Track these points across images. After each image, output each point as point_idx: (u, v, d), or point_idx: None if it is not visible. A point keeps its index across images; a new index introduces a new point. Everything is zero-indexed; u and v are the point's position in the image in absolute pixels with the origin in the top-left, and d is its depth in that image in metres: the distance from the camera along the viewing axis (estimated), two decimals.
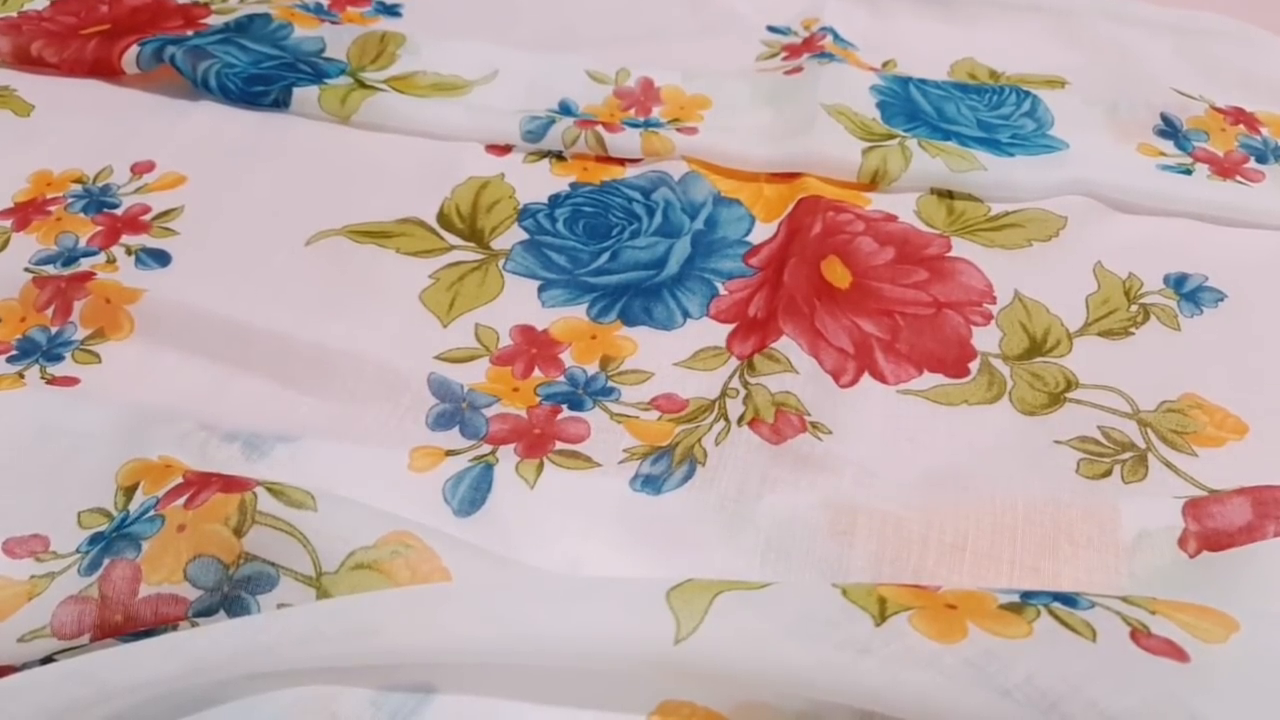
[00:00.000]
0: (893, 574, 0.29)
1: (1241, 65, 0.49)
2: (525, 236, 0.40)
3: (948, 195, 0.41)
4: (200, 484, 0.28)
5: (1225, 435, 0.33)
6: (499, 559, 0.28)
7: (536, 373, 0.35)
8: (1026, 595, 0.25)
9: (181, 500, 0.28)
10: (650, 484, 0.31)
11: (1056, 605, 0.24)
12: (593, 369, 0.35)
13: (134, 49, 0.45)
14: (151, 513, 0.28)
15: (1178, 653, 0.23)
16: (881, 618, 0.24)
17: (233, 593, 0.27)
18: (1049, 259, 0.39)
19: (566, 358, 0.35)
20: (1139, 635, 0.23)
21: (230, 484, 0.28)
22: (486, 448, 0.32)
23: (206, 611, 0.27)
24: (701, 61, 0.48)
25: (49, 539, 0.29)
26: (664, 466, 0.32)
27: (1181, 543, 0.29)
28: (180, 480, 0.29)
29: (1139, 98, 0.46)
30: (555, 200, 0.41)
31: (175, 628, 0.27)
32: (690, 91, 0.46)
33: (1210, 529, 0.29)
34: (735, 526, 0.30)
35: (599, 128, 0.43)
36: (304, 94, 0.44)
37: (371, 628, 0.24)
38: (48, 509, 0.29)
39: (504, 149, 0.43)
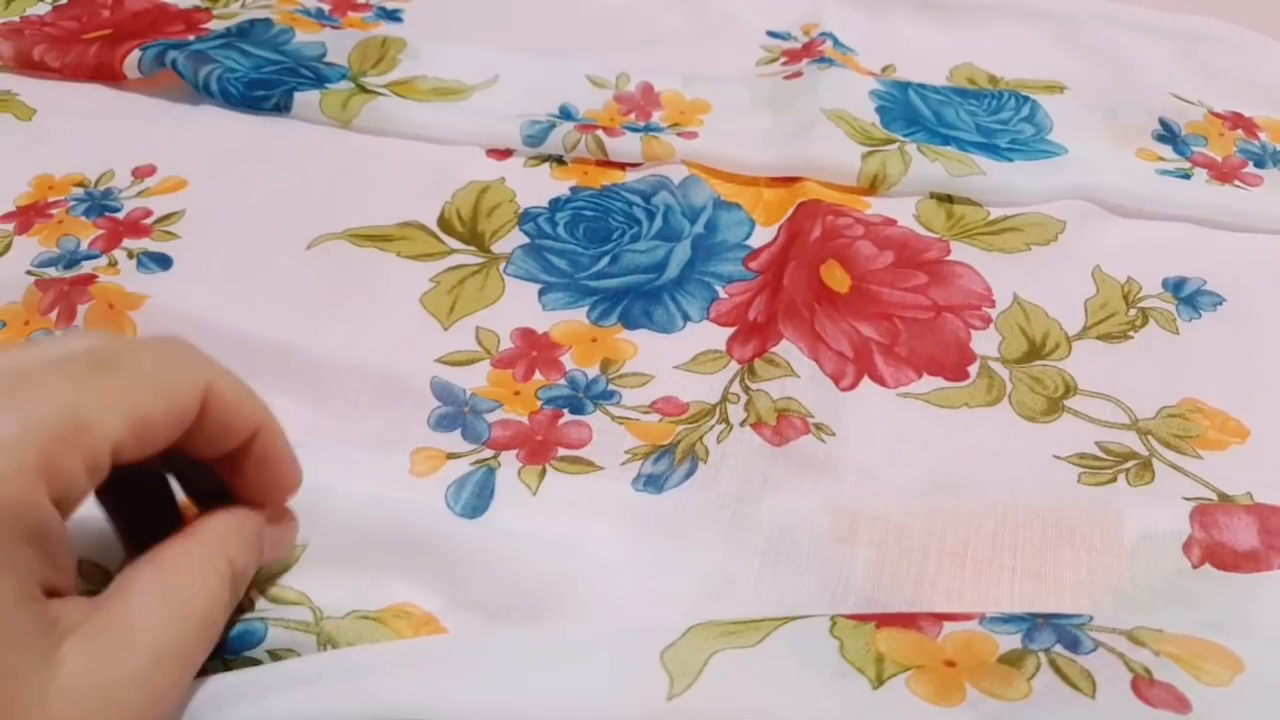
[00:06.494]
0: (893, 582, 0.29)
1: (1239, 70, 0.49)
2: (526, 240, 0.40)
3: (947, 200, 0.41)
4: None
5: (1227, 439, 0.33)
6: (494, 613, 0.28)
7: (537, 375, 0.35)
8: (1030, 634, 0.25)
9: None
10: (652, 483, 0.31)
11: (1058, 651, 0.24)
12: (593, 372, 0.35)
13: (135, 54, 0.45)
14: None
15: (1180, 703, 0.23)
16: (879, 680, 0.24)
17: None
18: (1048, 263, 0.39)
19: (567, 360, 0.35)
20: (1140, 684, 0.23)
21: None
22: (489, 452, 0.32)
23: None
24: (701, 66, 0.48)
25: None
26: (666, 465, 0.32)
27: (1186, 548, 0.28)
28: None
29: (1138, 103, 0.46)
30: (556, 204, 0.41)
31: None
32: (690, 96, 0.46)
33: (1216, 540, 0.28)
34: (736, 527, 0.30)
35: (599, 132, 0.43)
36: (305, 98, 0.44)
37: (364, 685, 0.24)
38: None
39: (505, 153, 0.43)
